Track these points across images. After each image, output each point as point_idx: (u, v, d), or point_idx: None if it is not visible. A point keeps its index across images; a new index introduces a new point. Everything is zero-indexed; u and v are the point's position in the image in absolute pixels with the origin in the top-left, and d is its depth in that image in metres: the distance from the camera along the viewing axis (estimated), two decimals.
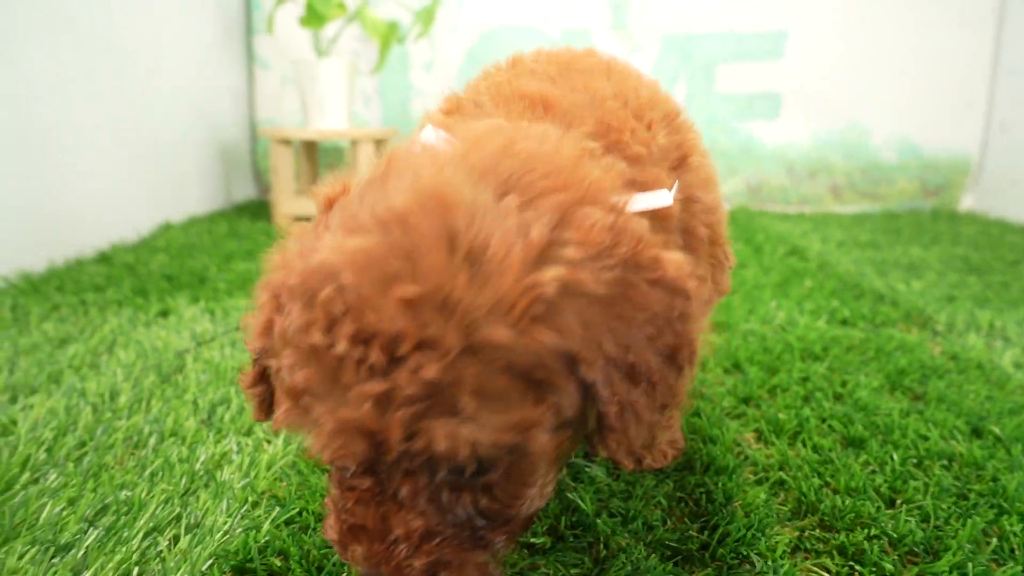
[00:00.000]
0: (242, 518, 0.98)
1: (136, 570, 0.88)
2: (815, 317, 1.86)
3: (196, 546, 0.92)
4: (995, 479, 1.09)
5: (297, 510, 0.99)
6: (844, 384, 1.43)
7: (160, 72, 3.00)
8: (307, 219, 2.50)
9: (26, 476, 1.07)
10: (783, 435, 1.23)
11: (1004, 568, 0.90)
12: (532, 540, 0.94)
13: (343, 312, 0.53)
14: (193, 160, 3.32)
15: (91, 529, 0.95)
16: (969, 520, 0.97)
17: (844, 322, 1.84)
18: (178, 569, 0.88)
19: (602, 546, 0.94)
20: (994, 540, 0.95)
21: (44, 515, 0.98)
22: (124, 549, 0.91)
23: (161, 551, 0.91)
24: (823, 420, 1.28)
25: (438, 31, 3.73)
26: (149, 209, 2.93)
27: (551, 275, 0.54)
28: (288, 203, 3.16)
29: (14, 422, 1.25)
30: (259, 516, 0.98)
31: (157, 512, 0.99)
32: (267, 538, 0.93)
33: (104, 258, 2.43)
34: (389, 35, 3.20)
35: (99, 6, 2.56)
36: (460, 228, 0.54)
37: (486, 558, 0.65)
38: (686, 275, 0.62)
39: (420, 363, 0.51)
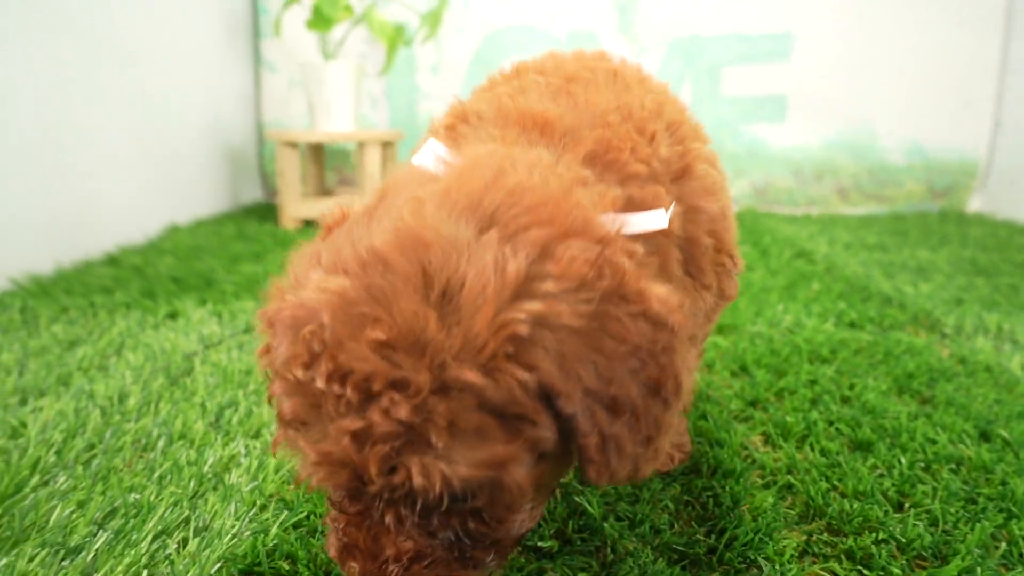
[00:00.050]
0: (250, 521, 0.98)
1: (145, 573, 0.88)
2: (822, 320, 1.86)
3: (205, 549, 0.92)
4: (1004, 483, 1.09)
5: (305, 514, 0.99)
6: (852, 387, 1.43)
7: (167, 75, 3.01)
8: (313, 222, 2.49)
9: (36, 479, 1.08)
10: (791, 438, 1.23)
11: (1013, 573, 0.90)
12: (539, 544, 0.94)
13: (321, 350, 0.56)
14: (200, 162, 3.33)
15: (100, 532, 0.95)
16: (978, 524, 0.97)
17: (852, 325, 1.84)
18: (187, 572, 0.88)
19: (609, 550, 0.94)
20: (1003, 545, 0.95)
21: (54, 518, 0.98)
22: (133, 552, 0.91)
23: (170, 554, 0.91)
24: (831, 423, 1.28)
25: (445, 33, 3.73)
26: (156, 211, 2.94)
27: (525, 311, 0.55)
28: (295, 206, 3.17)
29: (24, 424, 1.26)
30: (267, 519, 0.98)
31: (166, 515, 0.99)
32: (275, 542, 0.93)
33: (112, 260, 2.44)
34: (396, 37, 3.20)
35: (106, 9, 2.57)
36: (436, 267, 0.56)
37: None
38: (671, 308, 0.63)
39: (392, 402, 0.53)
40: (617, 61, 1.00)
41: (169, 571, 0.88)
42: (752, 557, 0.92)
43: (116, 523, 0.97)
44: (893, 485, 1.08)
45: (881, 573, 0.89)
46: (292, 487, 1.07)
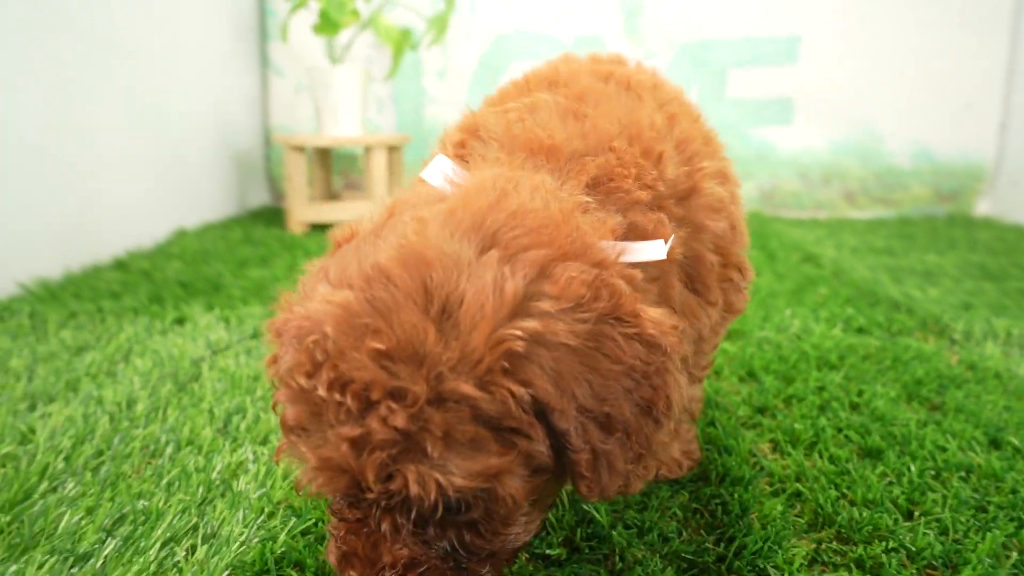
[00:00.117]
0: (258, 528, 0.98)
1: None
2: (830, 325, 1.85)
3: (213, 556, 0.92)
4: (1014, 491, 1.08)
5: (313, 521, 0.99)
6: (861, 394, 1.42)
7: (175, 79, 3.02)
8: (320, 226, 2.49)
9: (44, 485, 1.08)
10: (799, 445, 1.22)
11: None
12: (547, 552, 0.94)
13: (324, 359, 0.57)
14: (207, 166, 3.34)
15: (109, 539, 0.95)
16: (988, 533, 0.96)
17: (860, 330, 1.83)
18: None
19: (618, 558, 0.94)
20: (1014, 554, 0.94)
21: (63, 524, 0.98)
22: (142, 559, 0.91)
23: (178, 561, 0.92)
24: (840, 430, 1.28)
25: (451, 38, 3.73)
26: (164, 215, 2.95)
27: (521, 329, 0.57)
28: (302, 210, 3.18)
29: (33, 430, 1.26)
30: (275, 527, 0.98)
31: (174, 522, 0.99)
32: (283, 549, 0.93)
33: (120, 265, 2.45)
34: (402, 42, 3.21)
35: (114, 14, 2.58)
36: (437, 284, 0.58)
37: None
38: (665, 331, 0.65)
39: (390, 410, 0.55)
40: (632, 66, 1.00)
41: None
42: (761, 566, 0.91)
43: (125, 530, 0.97)
44: (903, 493, 1.07)
45: None
46: (300, 495, 1.07)
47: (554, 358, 0.59)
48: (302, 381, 0.59)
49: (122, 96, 2.63)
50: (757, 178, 3.86)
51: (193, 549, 0.94)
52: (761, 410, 1.37)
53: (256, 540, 0.96)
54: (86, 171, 2.43)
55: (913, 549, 0.94)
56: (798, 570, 0.91)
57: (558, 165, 0.77)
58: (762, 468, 1.16)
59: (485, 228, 0.62)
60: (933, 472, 1.14)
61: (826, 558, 0.94)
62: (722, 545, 0.96)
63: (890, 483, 1.11)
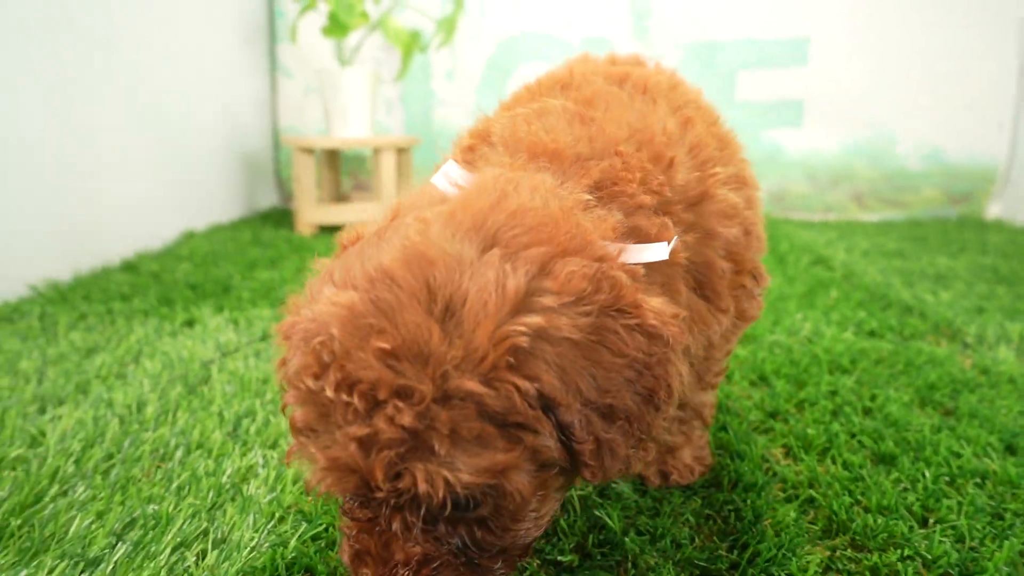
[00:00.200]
0: (269, 533, 0.98)
1: None
2: (842, 328, 1.84)
3: (224, 562, 0.92)
4: None
5: (324, 526, 0.99)
6: (873, 398, 1.41)
7: (184, 81, 3.03)
8: (329, 227, 2.48)
9: (55, 488, 1.08)
10: (812, 451, 1.21)
11: None
12: (559, 558, 0.93)
13: (331, 360, 0.58)
14: (216, 168, 3.34)
15: (119, 543, 0.95)
16: (1005, 541, 0.95)
17: (872, 334, 1.82)
18: None
19: (630, 565, 0.93)
20: None
21: (73, 528, 0.98)
22: (152, 564, 0.91)
23: (189, 567, 0.91)
24: (853, 436, 1.27)
25: (460, 39, 3.73)
26: (173, 217, 2.96)
27: (525, 324, 0.58)
28: (310, 211, 3.18)
29: (43, 433, 1.26)
30: (286, 532, 0.98)
31: (184, 527, 0.99)
32: (294, 554, 0.93)
33: (129, 267, 2.45)
34: (411, 44, 3.21)
35: (122, 16, 2.59)
36: (440, 283, 0.58)
37: None
38: (666, 321, 0.65)
39: (397, 409, 0.56)
40: (651, 67, 1.00)
41: None
42: (776, 573, 0.91)
43: (135, 534, 0.97)
44: (918, 500, 1.06)
45: None
46: (310, 499, 1.07)
47: (558, 352, 0.59)
48: (310, 382, 0.59)
49: (131, 99, 2.64)
50: (766, 180, 3.84)
51: (204, 554, 0.94)
52: (773, 415, 1.36)
53: (267, 545, 0.95)
54: (95, 173, 2.43)
55: (929, 557, 0.93)
56: None
57: (561, 168, 0.77)
58: (775, 474, 1.15)
59: (486, 228, 0.63)
60: (948, 478, 1.13)
61: (841, 566, 0.93)
62: (735, 552, 0.96)
63: (905, 489, 1.10)
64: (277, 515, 1.02)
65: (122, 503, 1.05)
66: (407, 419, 0.55)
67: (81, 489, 1.08)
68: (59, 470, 1.13)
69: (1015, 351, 1.69)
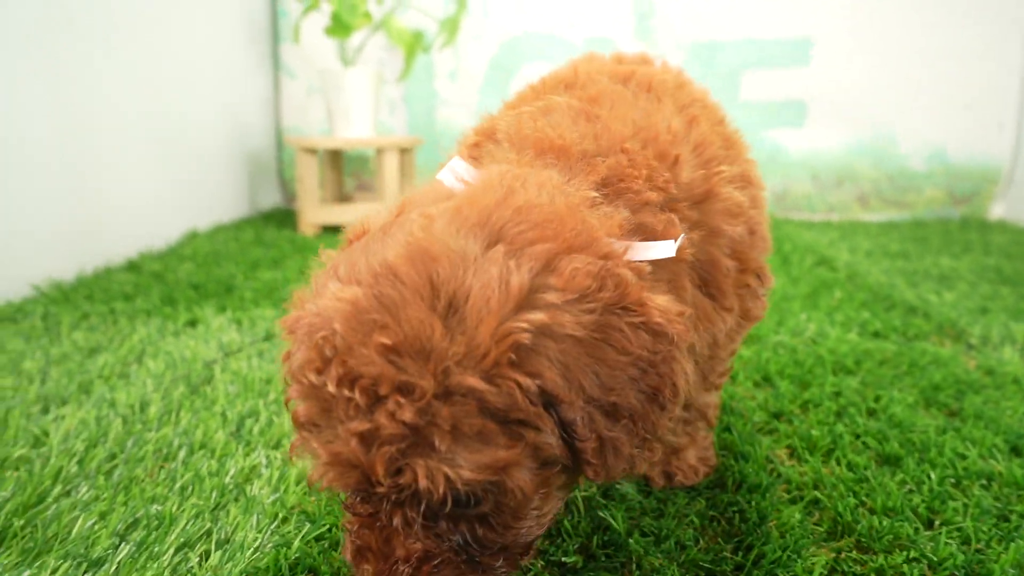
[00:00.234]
0: (272, 534, 0.98)
1: None
2: (846, 329, 1.84)
3: (227, 562, 0.92)
4: None
5: (327, 526, 0.99)
6: (878, 399, 1.41)
7: (187, 81, 3.03)
8: (332, 227, 2.48)
9: (58, 489, 1.08)
10: (816, 452, 1.21)
11: None
12: (563, 559, 0.93)
13: (333, 355, 0.58)
14: (219, 168, 3.34)
15: (122, 544, 0.95)
16: (1012, 544, 0.95)
17: (876, 334, 1.81)
18: None
19: (634, 566, 0.92)
20: None
21: (76, 529, 0.98)
22: (156, 565, 0.91)
23: (192, 567, 0.91)
24: (857, 437, 1.26)
25: (463, 40, 3.73)
26: (176, 217, 2.96)
27: (528, 321, 0.57)
28: (313, 211, 3.18)
29: (46, 433, 1.26)
30: (289, 532, 0.98)
31: (188, 527, 0.99)
32: (297, 555, 0.92)
33: (132, 266, 2.45)
34: (414, 44, 3.21)
35: (125, 15, 2.59)
36: (443, 279, 0.58)
37: None
38: (671, 318, 0.65)
39: (398, 405, 0.55)
40: (658, 66, 0.99)
41: None
42: (781, 575, 0.90)
43: (138, 535, 0.97)
44: (923, 501, 1.06)
45: None
46: (314, 499, 1.06)
47: (561, 350, 0.59)
48: (312, 377, 0.59)
49: (134, 98, 2.64)
50: (769, 180, 3.80)
51: (207, 555, 0.94)
52: (777, 415, 1.35)
53: (270, 546, 0.95)
54: (98, 173, 2.43)
55: (935, 559, 0.93)
56: None
57: (568, 164, 0.77)
58: (779, 475, 1.14)
59: (491, 224, 0.62)
60: (953, 480, 1.12)
61: (846, 567, 0.93)
62: (740, 553, 0.95)
63: (910, 491, 1.10)
64: (281, 516, 1.02)
65: (125, 503, 1.05)
66: (408, 415, 0.55)
67: (84, 489, 1.08)
68: (62, 470, 1.13)
69: (1020, 352, 1.69)
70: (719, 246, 0.87)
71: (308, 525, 0.99)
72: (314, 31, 3.45)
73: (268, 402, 1.39)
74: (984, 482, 1.12)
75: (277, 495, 1.07)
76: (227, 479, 1.12)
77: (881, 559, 0.93)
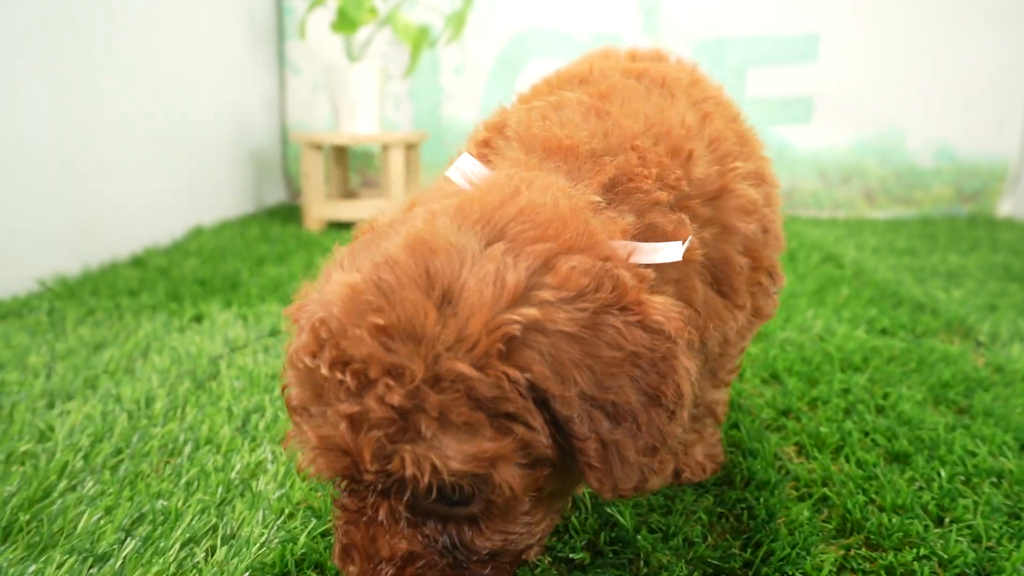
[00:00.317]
0: (278, 529, 0.97)
1: None
2: (853, 326, 1.82)
3: (233, 558, 0.91)
4: None
5: (333, 522, 0.98)
6: (886, 396, 1.40)
7: (192, 77, 3.03)
8: (337, 223, 2.48)
9: (63, 484, 1.08)
10: (825, 449, 1.20)
11: None
12: (571, 556, 0.92)
13: (328, 338, 0.59)
14: (224, 164, 3.34)
15: (128, 539, 0.95)
16: (1023, 541, 0.94)
17: (883, 331, 1.80)
18: None
19: (642, 563, 0.92)
20: None
21: (81, 524, 0.98)
22: (161, 560, 0.90)
23: (198, 562, 0.91)
24: (866, 434, 1.25)
25: (469, 35, 3.72)
26: (181, 212, 2.96)
27: (520, 315, 0.57)
28: (319, 207, 3.17)
29: (51, 428, 1.26)
30: (295, 528, 0.97)
31: (193, 522, 0.98)
32: (303, 550, 0.92)
33: (138, 262, 2.45)
34: (420, 39, 3.20)
35: (130, 13, 2.59)
36: (440, 271, 0.59)
37: None
38: (671, 317, 0.64)
39: (387, 388, 0.56)
40: (672, 61, 0.99)
41: None
42: (789, 572, 0.90)
43: (144, 530, 0.97)
44: (933, 499, 1.05)
45: None
46: (320, 495, 1.06)
47: (551, 344, 0.59)
48: (307, 360, 0.60)
49: (139, 95, 2.64)
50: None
51: (213, 550, 0.94)
52: (785, 412, 1.35)
53: (276, 541, 0.95)
54: (103, 169, 2.43)
55: (945, 557, 0.92)
56: None
57: (576, 165, 0.76)
58: (787, 472, 1.14)
59: (493, 222, 0.63)
60: (963, 477, 1.12)
61: (855, 565, 0.92)
62: (749, 550, 0.95)
63: (919, 488, 1.09)
64: (286, 511, 1.02)
65: (131, 498, 1.05)
66: (396, 398, 0.55)
67: (90, 484, 1.08)
68: (67, 465, 1.13)
69: None
70: (732, 243, 0.86)
71: (314, 521, 0.99)
72: (320, 27, 3.45)
73: (274, 398, 1.38)
74: (994, 479, 1.11)
75: (283, 491, 1.07)
76: (233, 474, 1.11)
77: (891, 556, 0.92)
